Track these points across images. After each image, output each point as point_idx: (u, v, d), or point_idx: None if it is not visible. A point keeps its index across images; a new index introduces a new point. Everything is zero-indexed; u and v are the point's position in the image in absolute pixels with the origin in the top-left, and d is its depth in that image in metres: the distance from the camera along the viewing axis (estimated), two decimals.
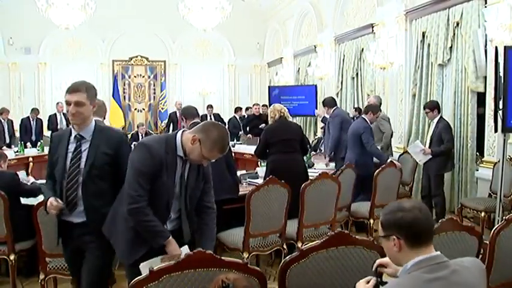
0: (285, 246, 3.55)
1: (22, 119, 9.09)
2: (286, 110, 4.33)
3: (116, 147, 2.34)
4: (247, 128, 9.24)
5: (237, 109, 10.40)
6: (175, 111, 10.04)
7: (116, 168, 2.31)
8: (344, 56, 8.05)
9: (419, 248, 1.43)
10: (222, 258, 1.73)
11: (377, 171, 4.34)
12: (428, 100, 5.78)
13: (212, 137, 2.02)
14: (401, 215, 1.44)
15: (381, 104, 5.91)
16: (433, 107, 4.95)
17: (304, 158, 4.57)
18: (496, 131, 3.97)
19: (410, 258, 1.44)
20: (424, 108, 5.12)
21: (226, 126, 9.90)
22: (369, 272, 1.88)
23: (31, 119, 9.06)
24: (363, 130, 4.80)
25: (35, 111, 9.18)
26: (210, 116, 9.74)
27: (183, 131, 2.15)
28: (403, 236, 1.44)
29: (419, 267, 1.41)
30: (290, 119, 4.59)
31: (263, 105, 9.54)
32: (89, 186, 2.28)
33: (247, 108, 10.47)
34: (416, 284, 1.38)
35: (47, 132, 8.98)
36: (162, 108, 11.63)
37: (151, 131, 10.61)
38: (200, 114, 4.36)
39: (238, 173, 4.74)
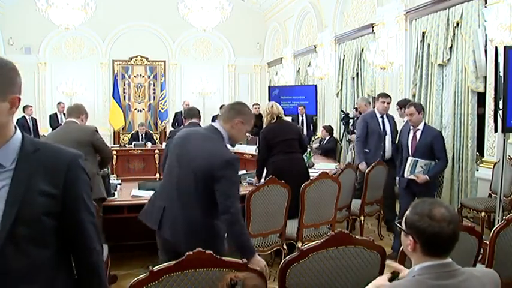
0: (285, 246, 3.56)
1: (18, 119, 9.02)
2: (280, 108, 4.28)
3: (65, 181, 1.24)
4: None
5: None
6: (181, 111, 10.00)
7: (65, 222, 1.26)
8: (344, 56, 8.05)
9: (432, 257, 1.41)
10: (222, 258, 1.72)
11: (368, 169, 4.51)
12: (428, 100, 5.80)
13: (248, 112, 2.41)
14: (428, 223, 1.38)
15: (370, 103, 5.88)
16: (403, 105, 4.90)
17: (305, 157, 4.57)
18: (496, 131, 3.97)
19: (420, 261, 1.42)
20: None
21: None
22: (368, 272, 1.89)
23: (27, 118, 9.02)
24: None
25: (28, 108, 9.08)
26: None
27: (216, 124, 2.39)
28: (420, 242, 1.41)
29: (426, 273, 1.39)
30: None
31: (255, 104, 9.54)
32: (13, 260, 1.18)
33: None
34: None
35: (48, 131, 8.98)
36: (162, 108, 11.62)
37: (151, 131, 10.62)
38: (200, 113, 4.50)
39: (239, 172, 4.73)
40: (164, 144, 8.91)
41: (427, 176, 3.93)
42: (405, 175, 4.02)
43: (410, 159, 3.99)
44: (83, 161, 1.31)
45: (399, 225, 1.50)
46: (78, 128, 3.66)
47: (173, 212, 2.30)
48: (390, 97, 5.19)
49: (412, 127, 4.09)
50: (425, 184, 3.95)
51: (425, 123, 4.14)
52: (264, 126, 4.20)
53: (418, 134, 4.05)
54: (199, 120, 4.22)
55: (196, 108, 4.44)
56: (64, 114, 9.00)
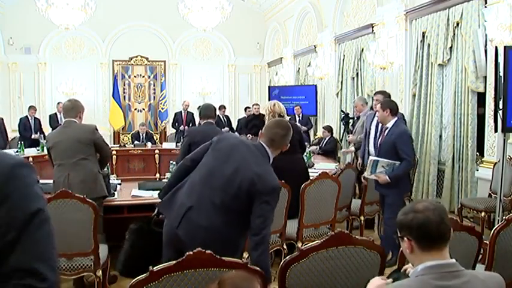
0: (285, 246, 3.55)
1: (20, 118, 9.04)
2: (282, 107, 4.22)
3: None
4: (247, 128, 9.23)
5: (247, 109, 10.40)
6: (181, 111, 9.99)
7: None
8: (344, 56, 8.05)
9: (430, 251, 1.40)
10: (222, 258, 1.72)
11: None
12: (428, 100, 5.80)
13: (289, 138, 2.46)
14: (413, 216, 1.42)
15: (367, 103, 5.85)
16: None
17: (305, 157, 4.56)
18: (496, 131, 3.97)
19: (421, 261, 1.42)
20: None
21: (235, 126, 9.86)
22: (368, 272, 1.89)
23: (29, 118, 9.03)
24: None
25: (32, 108, 9.13)
26: (222, 117, 9.73)
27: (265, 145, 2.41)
28: (413, 238, 1.42)
29: (429, 273, 1.38)
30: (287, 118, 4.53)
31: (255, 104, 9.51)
32: None
33: (245, 109, 10.47)
34: None
35: (48, 131, 8.97)
36: (162, 108, 11.62)
37: (151, 131, 10.62)
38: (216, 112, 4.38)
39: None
40: (166, 144, 8.97)
41: (387, 176, 3.71)
42: (365, 175, 3.92)
43: (370, 158, 3.87)
44: (28, 170, 0.93)
45: (395, 235, 1.52)
46: (79, 126, 3.66)
47: (198, 215, 2.26)
48: (384, 94, 4.84)
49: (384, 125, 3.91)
50: (390, 185, 3.75)
51: (396, 121, 3.85)
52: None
53: (386, 132, 3.86)
54: (214, 120, 4.12)
55: (212, 108, 4.23)
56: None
